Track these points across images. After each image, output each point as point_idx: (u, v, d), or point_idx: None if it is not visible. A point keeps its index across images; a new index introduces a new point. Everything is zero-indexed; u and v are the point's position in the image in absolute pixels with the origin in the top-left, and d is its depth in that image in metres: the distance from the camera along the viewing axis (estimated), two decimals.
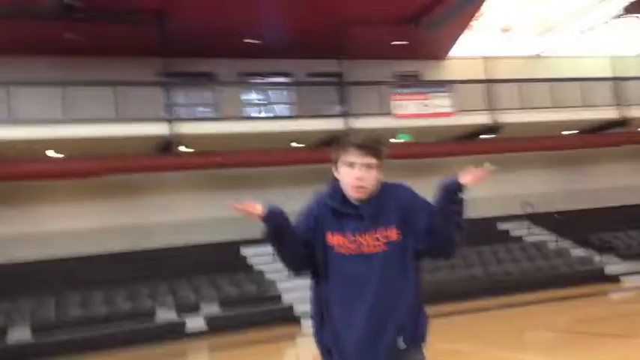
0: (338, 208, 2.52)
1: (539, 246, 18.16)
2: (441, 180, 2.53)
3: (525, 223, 19.34)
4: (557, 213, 18.78)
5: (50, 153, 15.43)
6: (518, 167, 20.59)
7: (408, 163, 18.64)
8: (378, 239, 2.48)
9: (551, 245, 18.27)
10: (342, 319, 2.46)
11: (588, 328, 9.64)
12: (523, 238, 18.80)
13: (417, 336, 2.49)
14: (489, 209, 19.48)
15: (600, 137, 20.31)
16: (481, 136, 18.99)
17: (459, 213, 2.52)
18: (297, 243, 2.52)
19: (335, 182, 2.58)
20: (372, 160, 2.47)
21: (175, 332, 13.54)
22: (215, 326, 13.80)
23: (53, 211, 16.67)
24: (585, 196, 20.53)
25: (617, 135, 20.26)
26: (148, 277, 15.24)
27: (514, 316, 12.43)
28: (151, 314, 14.12)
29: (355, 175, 2.47)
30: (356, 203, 2.52)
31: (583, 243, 18.49)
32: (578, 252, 18.14)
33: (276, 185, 18.30)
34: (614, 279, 16.39)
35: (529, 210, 19.25)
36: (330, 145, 15.49)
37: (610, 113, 19.57)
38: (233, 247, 16.96)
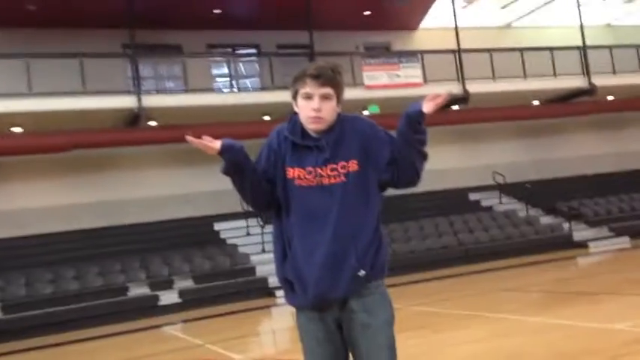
0: (297, 141, 2.48)
1: (509, 215, 18.42)
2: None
3: (496, 193, 19.56)
4: (527, 182, 19.01)
5: (16, 129, 15.05)
6: (488, 138, 20.81)
7: None
8: (337, 170, 2.45)
9: (521, 214, 18.54)
10: (304, 252, 2.44)
11: (559, 287, 9.84)
12: (494, 208, 19.05)
13: (377, 265, 2.47)
14: (460, 180, 19.73)
15: (568, 106, 20.55)
16: (451, 107, 19.03)
17: (422, 141, 2.53)
18: (258, 178, 2.50)
19: (294, 116, 2.55)
20: (329, 90, 2.44)
21: (149, 307, 13.45)
22: (189, 300, 13.75)
23: (22, 187, 16.33)
24: (554, 166, 20.86)
25: (585, 104, 20.51)
26: (119, 253, 15.09)
27: (486, 280, 12.61)
28: (124, 290, 14.00)
29: (312, 107, 2.42)
30: (315, 135, 2.49)
31: (552, 211, 18.82)
32: (547, 220, 18.45)
33: None
34: (583, 245, 16.72)
35: (500, 180, 19.47)
36: None
37: (577, 82, 19.79)
38: (206, 221, 16.86)
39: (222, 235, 16.68)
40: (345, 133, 2.51)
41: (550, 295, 9.38)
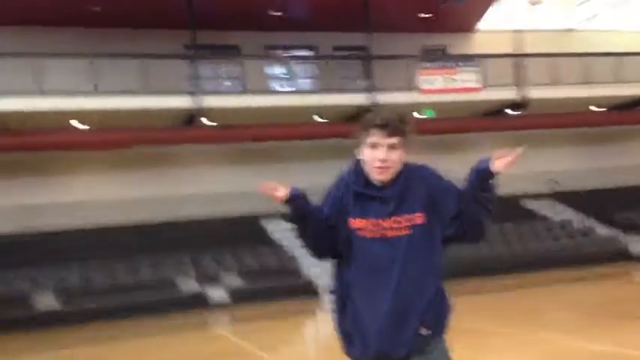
0: (361, 191, 2.48)
1: (564, 224, 17.96)
2: (473, 164, 2.47)
3: (550, 202, 19.11)
4: (584, 191, 18.50)
5: (76, 124, 15.63)
6: (544, 144, 20.29)
7: (432, 139, 18.54)
8: (401, 223, 2.44)
9: (577, 224, 18.06)
10: (365, 305, 2.43)
11: (611, 309, 9.54)
12: (548, 217, 18.61)
13: (440, 323, 2.46)
14: (514, 186, 19.28)
15: (629, 114, 19.86)
16: (508, 112, 18.69)
17: (490, 199, 2.46)
18: (320, 226, 2.48)
19: (357, 163, 2.54)
20: (396, 140, 2.42)
21: (198, 302, 13.79)
22: (236, 297, 14.02)
23: (81, 181, 16.99)
24: (612, 175, 20.17)
25: None
26: (171, 248, 15.48)
27: (537, 295, 12.38)
28: (174, 284, 14.39)
29: (378, 157, 2.42)
30: (379, 184, 2.47)
31: (608, 222, 18.24)
32: (603, 231, 17.91)
33: (299, 160, 18.37)
34: (639, 258, 16.18)
35: (555, 188, 19.01)
36: (353, 120, 15.42)
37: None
38: (255, 220, 17.11)
39: (271, 235, 16.86)
40: (411, 183, 2.48)
41: (601, 317, 9.13)
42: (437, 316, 2.44)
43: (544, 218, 18.56)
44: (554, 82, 18.27)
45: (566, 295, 11.91)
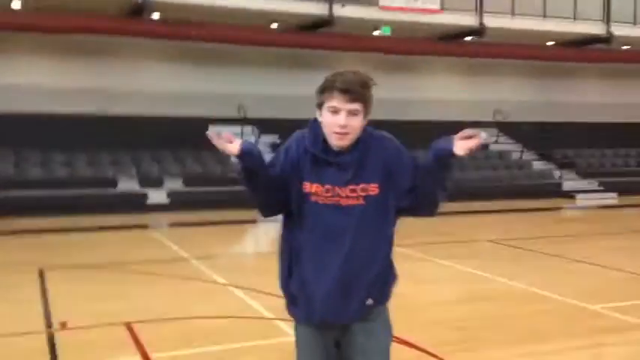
0: (318, 155, 2.39)
1: (503, 155, 18.43)
2: (434, 142, 2.36)
3: (494, 131, 19.47)
4: (526, 124, 18.91)
5: (15, 4, 14.49)
6: (494, 74, 20.44)
7: (385, 57, 18.32)
8: (356, 192, 2.38)
9: (515, 156, 18.56)
10: (313, 271, 2.40)
11: (520, 243, 9.97)
12: (489, 146, 19.02)
13: (384, 293, 2.48)
14: (460, 113, 19.52)
15: (583, 52, 20.11)
16: (464, 39, 18.56)
17: (447, 178, 2.42)
18: (271, 186, 2.40)
19: (316, 125, 2.44)
20: (358, 107, 2.32)
21: (137, 203, 13.57)
22: (177, 201, 13.87)
23: (16, 64, 15.96)
24: (557, 110, 20.68)
25: (599, 51, 20.10)
26: (110, 145, 15.02)
27: (472, 225, 12.79)
28: (113, 183, 14.06)
29: (339, 122, 2.31)
30: (337, 149, 2.39)
31: (546, 157, 18.86)
32: (539, 165, 18.53)
33: (251, 65, 17.85)
34: (570, 195, 16.89)
35: (500, 118, 19.33)
36: (310, 30, 14.79)
37: (596, 28, 19.27)
38: (201, 123, 16.64)
39: None
40: (370, 152, 2.41)
41: (506, 249, 9.53)
42: (383, 287, 2.46)
43: (484, 146, 18.96)
44: (513, 12, 18.18)
45: (497, 229, 12.34)
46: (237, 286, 6.81)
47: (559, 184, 17.43)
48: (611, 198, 17.03)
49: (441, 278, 7.64)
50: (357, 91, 2.32)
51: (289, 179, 2.41)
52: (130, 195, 13.77)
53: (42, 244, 10.01)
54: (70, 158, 14.41)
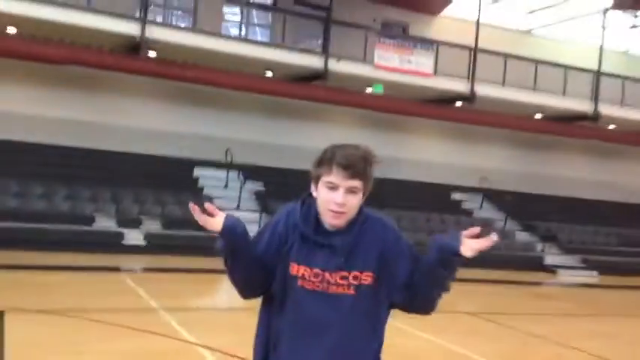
0: (309, 235, 2.19)
1: (487, 223, 18.33)
2: (437, 236, 2.20)
3: (479, 197, 19.46)
4: (511, 194, 18.93)
5: (11, 30, 14.38)
6: (482, 140, 20.60)
7: (376, 115, 18.38)
8: (347, 279, 2.17)
9: (499, 224, 18.49)
10: None
11: (500, 319, 9.74)
12: (474, 213, 18.96)
13: None
14: (446, 176, 19.56)
15: (570, 127, 20.38)
16: (455, 104, 18.71)
17: (449, 278, 2.22)
18: (253, 266, 2.19)
19: (308, 201, 2.24)
20: (358, 184, 2.14)
21: (112, 243, 13.18)
22: (154, 244, 13.50)
23: (5, 90, 15.72)
24: (542, 182, 20.81)
25: (587, 129, 20.37)
26: (90, 179, 14.71)
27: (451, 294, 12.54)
28: (90, 220, 13.69)
29: (336, 200, 2.13)
30: (330, 229, 2.20)
31: (529, 228, 18.80)
32: (522, 236, 18.45)
33: (241, 111, 17.79)
34: (552, 270, 16.76)
35: (485, 185, 19.35)
36: (305, 81, 14.77)
37: (584, 105, 19.56)
38: (186, 165, 16.49)
39: (201, 183, 16.33)
40: (366, 236, 2.21)
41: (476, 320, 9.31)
42: None
43: (469, 213, 18.90)
44: (507, 83, 18.42)
45: (465, 296, 12.11)
46: (207, 347, 6.47)
47: (541, 258, 17.31)
48: (592, 276, 16.91)
49: (420, 355, 7.36)
50: (359, 168, 2.13)
51: (275, 259, 2.20)
52: (107, 234, 13.39)
53: (9, 281, 9.58)
54: (48, 190, 14.05)
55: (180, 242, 13.54)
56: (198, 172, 16.57)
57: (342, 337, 2.15)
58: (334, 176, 2.12)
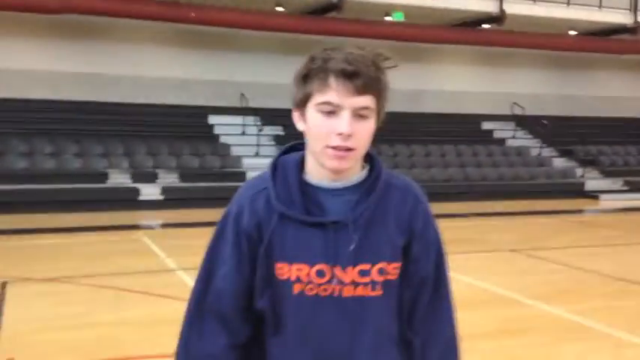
0: (296, 213, 1.38)
1: (521, 151, 17.33)
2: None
3: (511, 125, 18.39)
4: (546, 118, 17.79)
5: None
6: (513, 64, 19.34)
7: (397, 45, 17.19)
8: (369, 274, 1.38)
9: (534, 152, 17.46)
10: None
11: (547, 254, 8.90)
12: (507, 141, 17.92)
13: None
14: (475, 106, 18.48)
15: (609, 42, 18.95)
16: (482, 25, 17.42)
17: None
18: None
19: (286, 163, 1.44)
20: (370, 102, 1.35)
21: (128, 200, 12.55)
22: (171, 197, 12.85)
23: (4, 46, 14.92)
24: (579, 104, 19.61)
25: (623, 42, 18.93)
26: (100, 134, 14.01)
27: (480, 228, 11.74)
28: (104, 176, 13.05)
29: (339, 129, 1.32)
30: (330, 185, 1.39)
31: (567, 153, 17.76)
32: (560, 162, 17.43)
33: (254, 52, 16.78)
34: (593, 196, 15.79)
35: (518, 112, 18.24)
36: (318, 14, 13.56)
37: (623, 18, 18.10)
38: (200, 113, 15.66)
39: (216, 131, 15.53)
40: (389, 205, 1.41)
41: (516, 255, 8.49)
42: None
43: (502, 142, 17.87)
44: None
45: (505, 232, 11.31)
46: None
47: (582, 183, 16.32)
48: (637, 199, 15.91)
49: (464, 302, 6.59)
50: (369, 75, 1.33)
51: (249, 271, 1.42)
52: (121, 190, 12.75)
53: (16, 247, 9.01)
54: (57, 149, 13.39)
55: (198, 194, 12.86)
56: (213, 119, 15.76)
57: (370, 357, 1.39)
58: (333, 92, 1.33)
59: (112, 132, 14.12)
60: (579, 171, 16.84)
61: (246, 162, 14.28)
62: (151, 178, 13.25)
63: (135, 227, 10.84)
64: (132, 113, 14.90)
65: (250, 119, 15.51)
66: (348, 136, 1.31)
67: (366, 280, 1.37)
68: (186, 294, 5.43)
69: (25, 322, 5.43)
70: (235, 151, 14.63)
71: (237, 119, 15.54)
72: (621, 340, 5.17)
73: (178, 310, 5.69)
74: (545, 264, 8.32)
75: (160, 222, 11.52)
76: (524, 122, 18.23)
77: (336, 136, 1.32)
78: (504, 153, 17.01)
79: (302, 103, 1.37)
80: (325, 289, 1.36)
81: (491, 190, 15.06)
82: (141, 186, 12.80)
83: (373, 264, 1.37)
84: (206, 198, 12.74)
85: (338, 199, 1.38)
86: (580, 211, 14.32)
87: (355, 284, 1.37)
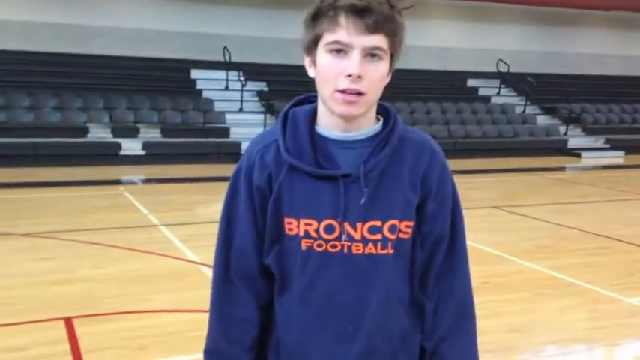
0: (306, 165, 1.32)
1: (506, 109, 17.30)
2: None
3: (496, 82, 18.31)
4: (531, 75, 17.72)
5: None
6: (498, 20, 19.14)
7: None
8: (380, 231, 1.32)
9: (519, 109, 17.45)
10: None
11: (531, 211, 8.98)
12: (492, 99, 17.87)
13: None
14: (460, 63, 18.35)
15: None
16: None
17: None
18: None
19: (297, 115, 1.37)
20: (383, 42, 1.28)
21: (109, 155, 12.38)
22: (153, 153, 12.70)
23: None
24: (563, 61, 19.54)
25: None
26: (80, 87, 13.72)
27: (465, 185, 11.80)
28: (84, 131, 12.84)
29: (348, 70, 1.25)
30: (342, 137, 1.33)
31: (550, 111, 17.78)
32: (544, 120, 17.46)
33: (240, 3, 16.41)
34: (576, 154, 15.88)
35: (503, 69, 18.14)
36: None
37: None
38: (182, 67, 15.37)
39: (199, 86, 15.28)
40: (403, 159, 1.35)
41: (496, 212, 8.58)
42: None
43: (487, 99, 17.82)
44: None
45: (490, 189, 11.37)
46: (211, 266, 5.74)
47: (564, 141, 16.39)
48: (618, 157, 16.06)
49: None
50: (382, 13, 1.26)
51: (262, 225, 1.38)
52: (102, 145, 12.57)
53: None
54: (36, 102, 13.11)
55: (180, 150, 12.74)
56: (195, 74, 15.48)
57: (382, 321, 1.35)
58: (343, 30, 1.25)
59: (92, 85, 13.84)
60: (562, 129, 16.89)
61: (229, 118, 14.12)
62: (133, 133, 13.07)
63: (116, 182, 10.73)
64: (112, 66, 14.58)
65: (234, 74, 15.27)
66: (358, 78, 1.25)
67: (377, 237, 1.32)
68: (169, 250, 5.37)
69: (5, 277, 5.38)
70: (218, 106, 14.44)
71: (221, 74, 15.29)
72: (601, 295, 5.25)
73: (161, 265, 5.67)
74: (527, 221, 8.39)
75: (142, 177, 11.41)
76: (508, 79, 18.16)
77: (345, 77, 1.26)
78: (489, 110, 16.98)
79: (312, 46, 1.30)
80: (334, 246, 1.32)
81: (474, 147, 15.09)
82: (122, 141, 12.63)
83: (384, 221, 1.32)
84: (188, 154, 12.66)
85: (350, 151, 1.33)
86: (562, 169, 14.41)
87: (365, 241, 1.32)
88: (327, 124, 1.33)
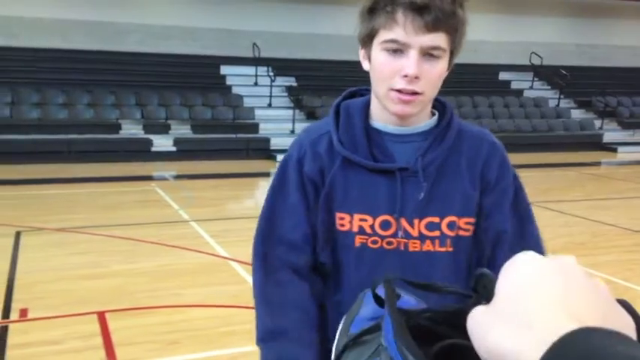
0: (361, 158, 1.27)
1: (539, 102, 17.00)
2: None
3: (529, 75, 18.00)
4: (565, 68, 17.37)
5: None
6: (531, 12, 18.79)
7: None
8: (439, 228, 1.27)
9: (552, 103, 17.13)
10: None
11: (567, 207, 8.79)
12: (524, 92, 17.57)
13: None
14: (492, 55, 18.08)
15: None
16: None
17: None
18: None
19: (349, 107, 1.32)
20: (442, 41, 1.22)
21: (141, 151, 12.49)
22: (184, 149, 12.79)
23: None
24: (598, 54, 19.11)
25: None
26: (112, 84, 13.87)
27: None
28: (117, 127, 12.98)
29: (405, 70, 1.19)
30: (397, 131, 1.28)
31: (585, 105, 17.41)
32: (578, 114, 17.10)
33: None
34: (612, 148, 15.53)
35: (536, 62, 17.82)
36: None
37: None
38: (212, 63, 15.44)
39: (228, 82, 15.33)
40: (461, 153, 1.30)
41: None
42: None
43: (519, 93, 17.53)
44: None
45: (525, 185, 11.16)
46: (243, 262, 5.73)
47: (600, 135, 16.04)
48: None
49: None
50: (441, 10, 1.20)
51: (313, 224, 1.32)
52: (134, 141, 12.69)
53: (30, 197, 9.02)
54: (69, 99, 13.30)
55: (210, 146, 12.79)
56: (225, 70, 15.53)
57: None
58: (400, 29, 1.19)
59: (124, 82, 13.98)
60: (597, 123, 16.53)
61: (259, 113, 14.13)
62: (164, 129, 13.16)
63: (148, 178, 10.82)
64: (143, 63, 14.71)
65: (263, 70, 15.28)
66: (415, 79, 1.20)
67: (435, 234, 1.27)
68: (199, 245, 5.37)
69: (38, 272, 5.45)
70: (248, 102, 14.47)
71: (250, 70, 15.32)
72: (638, 293, 5.10)
73: (191, 260, 5.69)
74: (562, 217, 8.22)
75: (173, 173, 11.49)
76: (542, 72, 17.84)
77: (401, 78, 1.21)
78: (522, 104, 16.70)
79: (367, 41, 1.25)
80: (390, 243, 1.27)
81: (507, 142, 14.64)
82: (153, 137, 12.73)
83: (442, 217, 1.27)
84: (219, 150, 12.71)
85: (406, 145, 1.28)
86: (597, 164, 14.11)
87: (423, 238, 1.27)
88: (382, 118, 1.30)
